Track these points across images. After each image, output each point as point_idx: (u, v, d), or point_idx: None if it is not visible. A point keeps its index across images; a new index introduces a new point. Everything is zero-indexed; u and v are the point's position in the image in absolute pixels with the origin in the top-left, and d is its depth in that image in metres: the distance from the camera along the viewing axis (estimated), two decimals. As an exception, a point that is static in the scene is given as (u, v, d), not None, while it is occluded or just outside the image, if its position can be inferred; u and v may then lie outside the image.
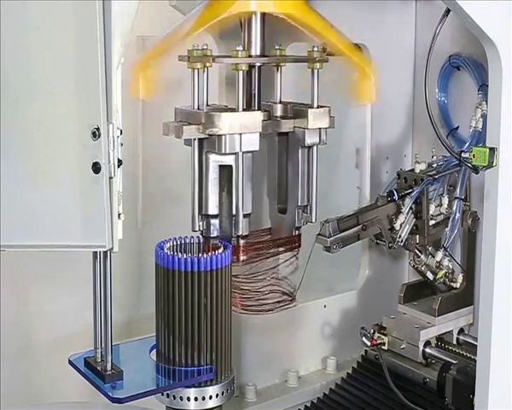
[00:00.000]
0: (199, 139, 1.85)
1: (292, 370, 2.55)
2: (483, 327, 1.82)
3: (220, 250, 1.80)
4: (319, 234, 2.22)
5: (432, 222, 2.36)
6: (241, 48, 1.85)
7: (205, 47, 1.84)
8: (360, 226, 2.27)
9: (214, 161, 1.86)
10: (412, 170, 2.40)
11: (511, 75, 1.73)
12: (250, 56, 1.93)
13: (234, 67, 1.85)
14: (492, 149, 1.74)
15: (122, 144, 1.54)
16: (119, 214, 1.55)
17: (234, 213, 1.88)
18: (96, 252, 1.65)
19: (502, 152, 1.75)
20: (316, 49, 1.95)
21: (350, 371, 2.50)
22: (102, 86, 1.48)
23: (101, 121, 1.48)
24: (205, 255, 1.75)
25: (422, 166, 2.38)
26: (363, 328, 2.41)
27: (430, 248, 2.40)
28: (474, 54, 2.38)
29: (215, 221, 1.87)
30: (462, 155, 1.86)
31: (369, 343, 2.38)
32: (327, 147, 2.02)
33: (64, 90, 1.49)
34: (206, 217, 1.88)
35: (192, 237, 1.86)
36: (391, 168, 2.63)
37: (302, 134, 1.98)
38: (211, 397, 1.78)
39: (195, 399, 1.77)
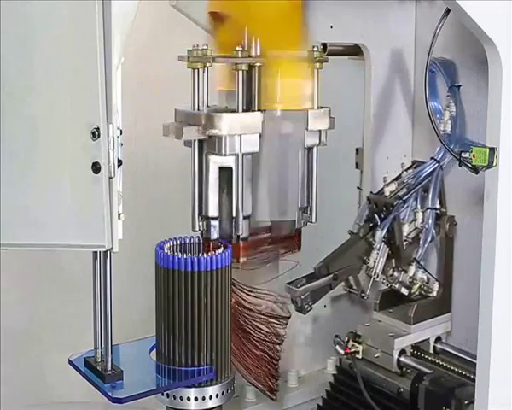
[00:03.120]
0: (199, 140, 1.85)
1: (292, 370, 2.55)
2: (483, 327, 1.82)
3: (220, 250, 1.81)
4: (288, 283, 2.17)
5: (406, 242, 2.32)
6: (241, 48, 1.85)
7: (205, 47, 1.84)
8: (331, 276, 2.21)
9: (214, 162, 1.86)
10: (382, 193, 2.34)
11: (511, 75, 1.73)
12: (250, 56, 1.93)
13: (234, 67, 1.85)
14: (492, 149, 1.74)
15: (122, 144, 1.55)
16: (119, 214, 1.55)
17: (234, 214, 1.88)
18: (96, 252, 1.65)
19: (502, 152, 1.75)
20: (316, 49, 1.96)
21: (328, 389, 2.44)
22: (102, 86, 1.48)
23: (101, 121, 1.48)
24: (205, 255, 1.75)
25: (392, 187, 2.33)
26: (336, 336, 2.36)
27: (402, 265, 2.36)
28: (449, 55, 2.38)
29: (215, 223, 1.87)
30: (462, 154, 1.86)
31: (342, 352, 2.34)
32: (327, 147, 2.02)
33: (64, 90, 1.49)
34: (206, 218, 1.88)
35: (192, 237, 1.86)
36: (391, 168, 2.63)
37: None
38: (211, 397, 1.79)
39: (195, 399, 1.78)
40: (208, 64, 1.85)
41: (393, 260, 2.33)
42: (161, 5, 2.20)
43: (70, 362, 1.78)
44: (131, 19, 1.48)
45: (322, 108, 1.99)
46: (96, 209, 1.51)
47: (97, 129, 1.48)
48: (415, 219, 2.35)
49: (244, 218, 1.91)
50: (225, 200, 1.90)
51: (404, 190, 2.34)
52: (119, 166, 1.53)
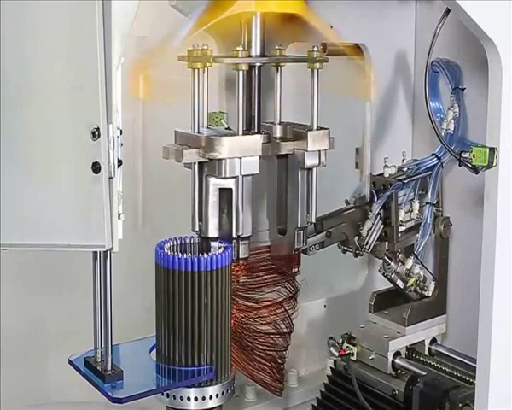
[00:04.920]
0: (199, 163, 1.85)
1: (292, 370, 2.55)
2: (483, 327, 1.82)
3: (220, 250, 1.81)
4: None
5: (402, 228, 2.31)
6: (241, 48, 1.85)
7: (205, 47, 1.84)
8: (324, 233, 2.22)
9: (214, 184, 1.86)
10: (381, 174, 2.36)
11: (511, 75, 1.73)
12: (250, 56, 1.93)
13: (234, 67, 1.85)
14: (492, 149, 1.74)
15: (122, 144, 1.55)
16: (119, 214, 1.55)
17: (234, 235, 1.89)
18: (96, 252, 1.65)
19: (502, 152, 1.75)
20: (316, 49, 1.96)
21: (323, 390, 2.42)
22: (102, 86, 1.48)
23: (101, 121, 1.48)
24: (205, 255, 1.75)
25: (392, 171, 2.34)
26: (331, 338, 2.35)
27: (400, 256, 2.34)
28: (449, 56, 2.38)
29: (214, 244, 1.87)
30: (462, 154, 1.86)
31: (337, 354, 2.32)
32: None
33: (64, 91, 1.49)
34: (206, 240, 1.88)
35: (192, 237, 1.87)
36: (391, 168, 2.63)
37: (302, 156, 1.99)
38: (211, 397, 1.79)
39: (195, 399, 1.78)
40: (208, 64, 1.85)
41: (387, 243, 2.32)
42: (161, 5, 2.21)
43: (70, 362, 1.78)
44: (131, 19, 1.48)
45: (321, 128, 1.99)
46: (96, 209, 1.51)
47: (97, 129, 1.48)
48: (411, 210, 2.34)
49: (244, 239, 1.91)
50: (225, 221, 1.90)
51: (404, 176, 2.34)
52: (119, 166, 1.53)
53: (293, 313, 2.11)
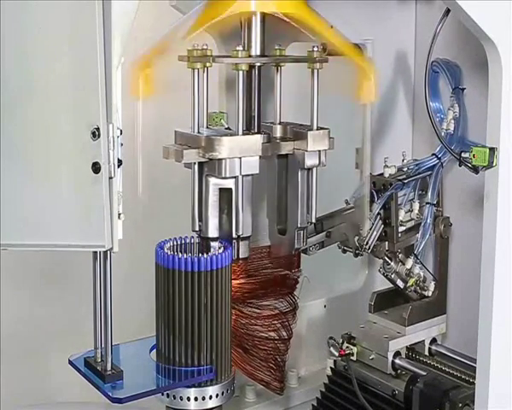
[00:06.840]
0: (199, 163, 1.85)
1: (292, 370, 2.55)
2: (483, 327, 1.82)
3: (220, 250, 1.81)
4: None
5: (402, 228, 2.30)
6: (241, 48, 1.85)
7: (205, 47, 1.84)
8: (324, 233, 2.23)
9: (214, 184, 1.86)
10: (381, 174, 2.35)
11: (511, 75, 1.73)
12: (250, 56, 1.93)
13: (234, 67, 1.85)
14: (492, 149, 1.74)
15: (122, 144, 1.55)
16: (119, 214, 1.55)
17: (234, 235, 1.89)
18: (96, 252, 1.65)
19: (502, 152, 1.75)
20: (316, 49, 1.96)
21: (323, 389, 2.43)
22: (102, 86, 1.48)
23: (101, 121, 1.48)
24: (205, 255, 1.75)
25: (392, 171, 2.33)
26: (331, 338, 2.36)
27: (400, 256, 2.34)
28: (449, 56, 2.38)
29: (214, 244, 1.87)
30: (462, 154, 1.86)
31: (337, 354, 2.32)
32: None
33: (64, 90, 1.49)
34: (206, 240, 1.88)
35: (192, 237, 1.87)
36: (391, 168, 2.62)
37: (302, 156, 1.99)
38: (211, 397, 1.79)
39: (195, 399, 1.78)
40: (208, 64, 1.85)
41: (387, 243, 2.32)
42: (161, 5, 2.21)
43: (70, 362, 1.78)
44: (131, 19, 1.48)
45: (321, 128, 1.99)
46: (96, 209, 1.51)
47: (97, 129, 1.49)
48: (411, 210, 2.34)
49: (244, 239, 1.91)
50: (225, 221, 1.90)
51: (404, 176, 2.34)
52: (119, 166, 1.54)
53: (291, 324, 2.11)
